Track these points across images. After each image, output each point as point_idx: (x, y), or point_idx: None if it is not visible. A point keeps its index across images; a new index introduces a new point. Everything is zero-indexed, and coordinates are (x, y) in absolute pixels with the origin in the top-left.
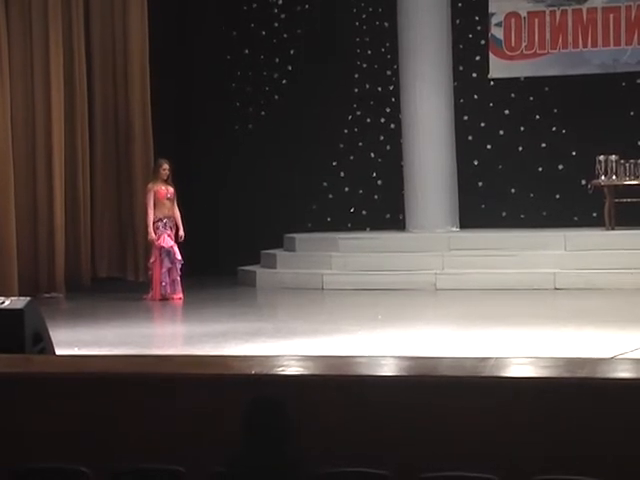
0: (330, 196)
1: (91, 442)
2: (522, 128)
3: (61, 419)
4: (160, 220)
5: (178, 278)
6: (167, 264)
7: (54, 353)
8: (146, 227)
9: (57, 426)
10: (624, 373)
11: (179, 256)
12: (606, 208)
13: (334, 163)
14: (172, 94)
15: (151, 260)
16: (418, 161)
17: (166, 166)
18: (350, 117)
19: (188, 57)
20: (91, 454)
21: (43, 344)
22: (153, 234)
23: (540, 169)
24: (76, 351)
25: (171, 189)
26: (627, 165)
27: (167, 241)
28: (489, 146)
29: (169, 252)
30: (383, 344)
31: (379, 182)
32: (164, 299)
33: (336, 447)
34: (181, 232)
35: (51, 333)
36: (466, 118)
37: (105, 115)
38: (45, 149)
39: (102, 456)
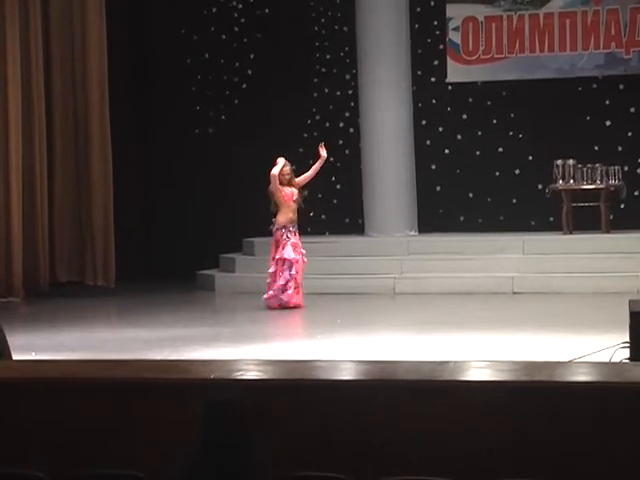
0: None
1: (48, 448)
2: (479, 132)
3: (17, 424)
4: (284, 227)
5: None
6: (286, 276)
7: (11, 358)
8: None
9: (13, 432)
10: (582, 376)
11: (294, 270)
12: (564, 212)
13: (294, 167)
14: (132, 98)
15: (270, 270)
16: (377, 165)
17: (286, 168)
18: (309, 121)
19: (148, 60)
20: (47, 460)
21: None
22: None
23: (497, 173)
24: (34, 356)
25: (295, 191)
26: (584, 170)
27: (290, 253)
28: (447, 150)
29: (291, 265)
30: (342, 348)
31: (338, 186)
32: (282, 308)
33: (294, 451)
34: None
35: (8, 338)
36: (424, 122)
37: (63, 119)
38: (2, 152)
39: (59, 462)
